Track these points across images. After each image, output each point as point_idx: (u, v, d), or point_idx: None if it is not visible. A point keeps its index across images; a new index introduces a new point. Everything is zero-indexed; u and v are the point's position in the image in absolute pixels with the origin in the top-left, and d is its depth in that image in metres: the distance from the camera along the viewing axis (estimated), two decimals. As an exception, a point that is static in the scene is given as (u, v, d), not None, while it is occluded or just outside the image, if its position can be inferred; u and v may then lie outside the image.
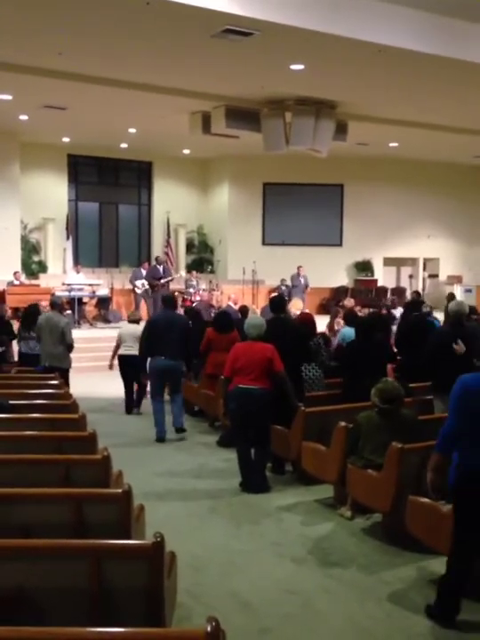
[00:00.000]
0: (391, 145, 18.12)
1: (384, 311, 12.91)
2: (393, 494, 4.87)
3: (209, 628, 2.28)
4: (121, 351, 9.38)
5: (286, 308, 7.58)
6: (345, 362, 7.12)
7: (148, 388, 8.74)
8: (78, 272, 16.75)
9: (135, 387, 9.53)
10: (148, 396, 9.07)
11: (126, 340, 9.34)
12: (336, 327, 10.04)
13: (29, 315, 9.40)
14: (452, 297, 10.59)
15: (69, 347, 8.58)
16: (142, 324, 8.93)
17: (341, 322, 9.77)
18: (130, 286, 17.05)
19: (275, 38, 9.93)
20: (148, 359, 8.12)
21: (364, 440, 5.36)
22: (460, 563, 3.90)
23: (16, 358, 10.03)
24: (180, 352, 7.91)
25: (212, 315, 12.17)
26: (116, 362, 9.58)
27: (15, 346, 10.25)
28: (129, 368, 9.17)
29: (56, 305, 8.88)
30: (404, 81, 12.19)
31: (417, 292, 14.30)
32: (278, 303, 7.45)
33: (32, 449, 4.56)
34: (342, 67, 11.39)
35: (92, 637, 2.36)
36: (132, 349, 9.08)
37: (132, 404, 9.52)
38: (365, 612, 4.06)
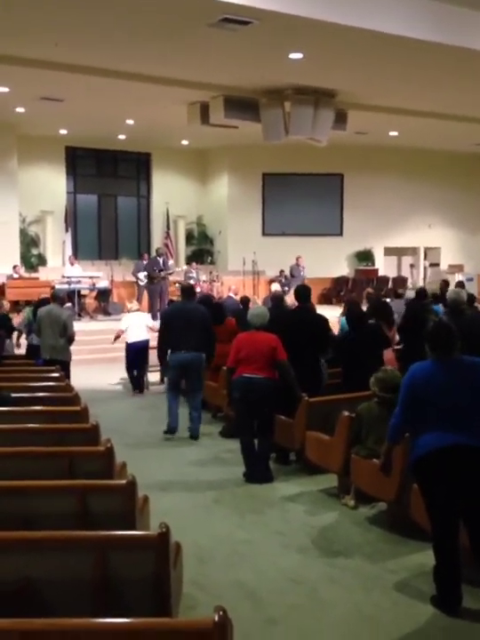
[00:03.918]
0: (391, 134, 18.05)
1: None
2: (397, 483, 4.86)
3: (217, 618, 2.27)
4: (129, 339, 9.85)
5: (310, 298, 7.49)
6: (340, 351, 7.12)
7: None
8: (73, 264, 16.69)
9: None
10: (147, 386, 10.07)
11: (133, 327, 9.80)
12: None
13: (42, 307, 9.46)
14: (459, 285, 10.50)
15: (70, 339, 8.60)
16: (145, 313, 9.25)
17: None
18: (130, 278, 17.06)
19: (273, 27, 9.87)
20: (168, 353, 7.79)
21: (366, 430, 5.35)
22: (442, 547, 3.91)
23: (18, 351, 10.08)
24: (201, 344, 7.56)
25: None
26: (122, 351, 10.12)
27: (18, 339, 10.36)
28: (135, 355, 9.79)
29: (57, 297, 8.92)
30: (404, 69, 12.12)
31: (445, 282, 13.20)
32: (303, 293, 7.29)
33: (35, 442, 4.55)
34: (341, 55, 11.32)
35: (98, 628, 2.35)
36: (140, 337, 9.72)
37: (137, 385, 10.04)
38: (371, 601, 4.05)
